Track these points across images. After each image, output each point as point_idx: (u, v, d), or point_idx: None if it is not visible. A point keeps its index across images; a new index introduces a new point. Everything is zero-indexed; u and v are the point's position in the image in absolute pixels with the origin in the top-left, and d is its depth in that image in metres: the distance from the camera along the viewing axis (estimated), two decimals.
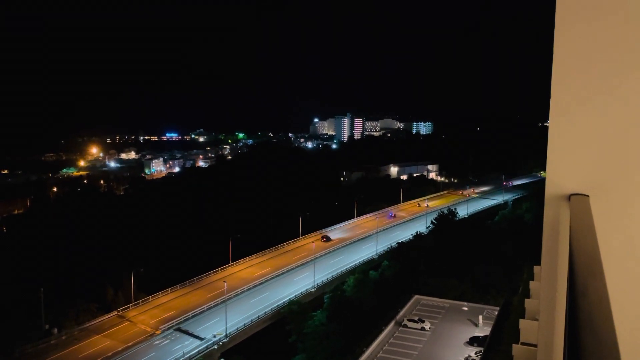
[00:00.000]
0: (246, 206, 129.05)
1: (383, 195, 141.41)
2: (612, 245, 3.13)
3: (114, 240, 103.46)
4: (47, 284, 73.20)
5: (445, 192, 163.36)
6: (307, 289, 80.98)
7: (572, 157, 3.25)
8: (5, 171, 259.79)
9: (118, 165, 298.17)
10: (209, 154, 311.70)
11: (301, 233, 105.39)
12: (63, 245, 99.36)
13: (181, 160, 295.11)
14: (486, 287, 74.67)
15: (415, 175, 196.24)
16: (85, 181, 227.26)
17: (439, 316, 67.49)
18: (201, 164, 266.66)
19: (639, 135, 3.14)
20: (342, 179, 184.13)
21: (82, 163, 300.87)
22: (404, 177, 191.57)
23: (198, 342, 64.87)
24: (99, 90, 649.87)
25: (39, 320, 68.79)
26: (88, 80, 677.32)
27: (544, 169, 3.52)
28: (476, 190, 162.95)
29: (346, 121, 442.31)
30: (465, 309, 69.52)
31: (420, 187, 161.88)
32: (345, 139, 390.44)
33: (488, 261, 79.35)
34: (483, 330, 60.40)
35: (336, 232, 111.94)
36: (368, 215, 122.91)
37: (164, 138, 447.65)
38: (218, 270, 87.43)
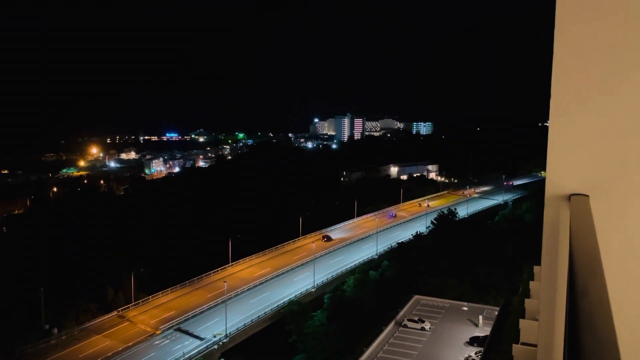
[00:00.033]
0: (246, 206, 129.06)
1: (383, 196, 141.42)
2: (612, 245, 3.13)
3: (114, 240, 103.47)
4: (47, 284, 73.21)
5: (446, 192, 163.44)
6: (307, 289, 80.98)
7: (572, 157, 3.25)
8: (5, 171, 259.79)
9: (118, 165, 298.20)
10: (209, 154, 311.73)
11: (301, 233, 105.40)
12: (63, 245, 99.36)
13: (181, 160, 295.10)
14: (486, 287, 74.67)
15: (415, 175, 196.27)
16: (85, 181, 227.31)
17: (439, 316, 67.49)
18: (201, 164, 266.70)
19: (639, 135, 3.14)
20: (342, 179, 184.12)
21: (82, 163, 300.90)
22: (404, 177, 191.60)
23: (198, 342, 64.87)
24: (99, 90, 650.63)
25: (39, 320, 68.80)
26: (88, 80, 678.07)
27: (544, 169, 3.52)
28: (477, 190, 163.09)
29: (346, 121, 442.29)
30: (465, 309, 69.50)
31: (420, 187, 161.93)
32: (345, 139, 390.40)
33: (488, 261, 79.34)
34: (483, 330, 60.38)
35: (337, 232, 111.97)
36: (368, 215, 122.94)
37: (164, 138, 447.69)
38: (218, 270, 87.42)
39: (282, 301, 75.94)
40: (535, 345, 10.92)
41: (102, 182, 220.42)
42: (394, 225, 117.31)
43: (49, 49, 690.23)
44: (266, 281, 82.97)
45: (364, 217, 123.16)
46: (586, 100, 3.20)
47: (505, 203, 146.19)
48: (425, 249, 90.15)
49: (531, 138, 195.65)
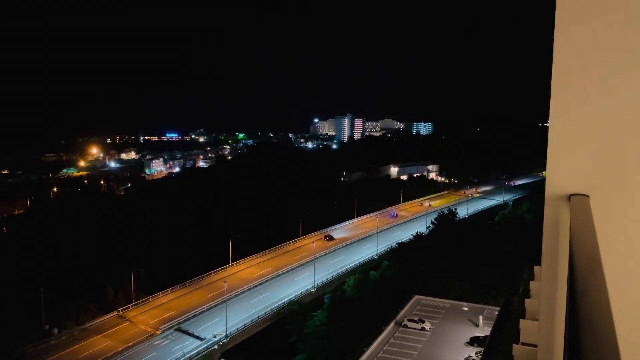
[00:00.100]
0: (246, 206, 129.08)
1: (383, 196, 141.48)
2: (612, 245, 3.13)
3: (114, 240, 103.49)
4: (47, 284, 73.22)
5: (446, 192, 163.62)
6: (307, 289, 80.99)
7: (572, 157, 3.25)
8: (6, 171, 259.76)
9: (118, 165, 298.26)
10: (209, 154, 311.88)
11: (301, 233, 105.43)
12: (63, 245, 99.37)
13: (181, 160, 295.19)
14: (486, 287, 74.69)
15: (415, 175, 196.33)
16: (86, 181, 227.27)
17: (439, 316, 67.50)
18: (201, 164, 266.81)
19: (639, 135, 3.14)
20: (342, 179, 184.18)
21: (82, 163, 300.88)
22: (404, 177, 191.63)
23: (198, 342, 64.88)
24: (99, 90, 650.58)
25: (39, 321, 68.80)
26: (88, 80, 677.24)
27: (545, 169, 3.52)
28: (478, 190, 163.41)
29: (346, 121, 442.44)
30: (466, 309, 69.51)
31: (421, 187, 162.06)
32: (346, 139, 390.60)
33: (488, 261, 79.36)
34: (483, 330, 60.40)
35: (338, 232, 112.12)
36: (369, 215, 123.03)
37: (164, 138, 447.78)
38: (218, 271, 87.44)
39: (282, 301, 75.95)
40: (535, 346, 10.92)
41: (102, 182, 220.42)
42: (394, 226, 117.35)
43: (49, 49, 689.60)
44: (266, 281, 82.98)
45: (364, 217, 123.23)
46: (586, 100, 3.20)
47: (505, 203, 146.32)
48: (426, 249, 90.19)
49: (531, 138, 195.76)
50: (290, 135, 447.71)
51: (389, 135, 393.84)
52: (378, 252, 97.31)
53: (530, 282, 17.89)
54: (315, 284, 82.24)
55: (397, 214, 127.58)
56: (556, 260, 3.30)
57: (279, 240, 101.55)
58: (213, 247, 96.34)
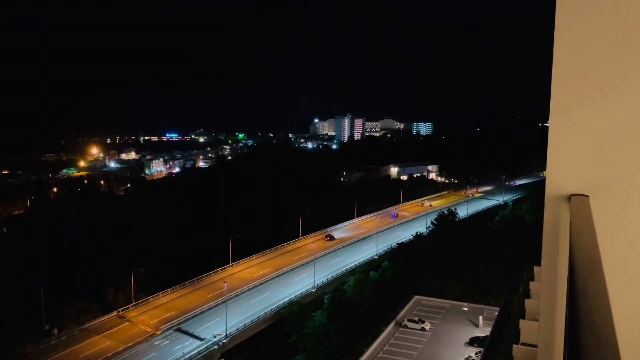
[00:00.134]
0: (246, 206, 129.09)
1: (383, 196, 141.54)
2: (612, 246, 3.13)
3: (114, 240, 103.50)
4: (47, 284, 73.20)
5: (446, 192, 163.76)
6: (307, 290, 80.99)
7: (572, 158, 3.25)
8: (6, 171, 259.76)
9: (118, 165, 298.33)
10: (209, 154, 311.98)
11: (301, 233, 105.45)
12: (63, 245, 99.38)
13: (181, 160, 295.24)
14: (486, 287, 74.69)
15: (415, 175, 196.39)
16: (86, 181, 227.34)
17: (439, 316, 67.49)
18: (201, 164, 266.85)
19: (639, 135, 3.13)
20: (342, 179, 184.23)
21: (82, 163, 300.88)
22: (404, 177, 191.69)
23: (198, 342, 64.88)
24: (99, 90, 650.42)
25: (39, 321, 68.79)
26: (88, 80, 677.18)
27: (545, 169, 3.52)
28: (479, 190, 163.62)
29: (346, 121, 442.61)
30: (466, 309, 69.52)
31: (421, 188, 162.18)
32: (346, 140, 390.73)
33: (488, 261, 79.36)
34: (483, 330, 60.40)
35: (338, 232, 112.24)
36: (369, 215, 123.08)
37: (164, 138, 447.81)
38: (218, 271, 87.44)
39: (282, 301, 75.94)
40: (535, 346, 10.91)
41: (102, 182, 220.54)
42: (394, 226, 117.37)
43: (49, 49, 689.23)
44: (266, 281, 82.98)
45: (365, 217, 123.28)
46: (586, 100, 3.20)
47: (505, 203, 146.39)
48: (426, 249, 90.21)
49: (531, 138, 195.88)
50: (290, 135, 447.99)
51: (389, 135, 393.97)
52: (378, 252, 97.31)
53: (530, 283, 17.89)
54: (315, 284, 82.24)
55: (397, 214, 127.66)
56: (556, 260, 3.29)
57: (278, 240, 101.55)
58: (213, 247, 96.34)
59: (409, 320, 64.36)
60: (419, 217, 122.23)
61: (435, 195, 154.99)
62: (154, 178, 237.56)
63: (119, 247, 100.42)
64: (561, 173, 3.26)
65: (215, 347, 64.54)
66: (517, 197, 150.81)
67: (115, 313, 72.62)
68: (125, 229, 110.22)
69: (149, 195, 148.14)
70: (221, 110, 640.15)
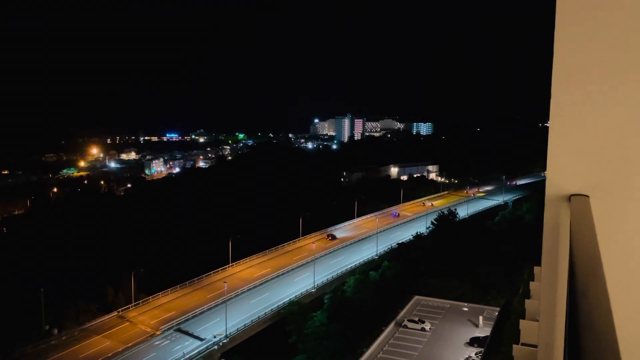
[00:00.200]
0: (246, 206, 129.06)
1: (383, 196, 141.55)
2: (612, 246, 3.12)
3: (114, 240, 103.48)
4: (47, 284, 73.19)
5: (446, 192, 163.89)
6: (307, 290, 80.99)
7: (572, 158, 3.25)
8: (6, 171, 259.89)
9: (118, 165, 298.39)
10: (209, 155, 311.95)
11: (301, 233, 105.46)
12: (63, 245, 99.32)
13: (181, 160, 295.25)
14: (486, 287, 74.68)
15: (415, 175, 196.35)
16: (86, 182, 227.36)
17: (439, 317, 67.49)
18: (201, 164, 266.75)
19: (639, 135, 3.13)
20: (342, 179, 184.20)
21: (82, 163, 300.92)
22: (404, 177, 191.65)
23: (198, 342, 64.89)
24: (99, 90, 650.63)
25: (39, 321, 68.78)
26: (88, 81, 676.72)
27: (545, 169, 3.51)
28: (480, 190, 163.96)
29: (346, 122, 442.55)
30: (466, 309, 69.52)
31: (421, 188, 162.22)
32: (346, 140, 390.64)
33: (488, 262, 79.35)
34: (483, 330, 60.40)
35: (339, 232, 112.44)
36: (369, 215, 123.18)
37: (164, 138, 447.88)
38: (218, 271, 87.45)
39: (282, 301, 75.94)
40: (535, 346, 10.92)
41: (102, 182, 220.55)
42: (394, 226, 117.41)
43: (49, 49, 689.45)
44: (266, 281, 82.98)
45: (364, 217, 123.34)
46: (586, 100, 3.20)
47: (506, 203, 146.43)
48: (426, 249, 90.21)
49: (531, 138, 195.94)
50: (290, 135, 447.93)
51: (389, 135, 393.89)
52: (378, 252, 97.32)
53: (531, 283, 17.88)
54: (315, 284, 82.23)
55: (399, 214, 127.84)
56: (556, 260, 3.29)
57: (279, 240, 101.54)
58: (213, 247, 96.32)
59: (409, 321, 64.36)
60: (419, 217, 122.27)
61: (435, 195, 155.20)
62: (154, 178, 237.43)
63: (119, 247, 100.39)
64: (561, 173, 3.26)
65: (215, 347, 64.55)
66: (517, 197, 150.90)
67: (115, 313, 72.63)
68: (125, 229, 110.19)
69: (149, 195, 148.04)
70: (221, 110, 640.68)
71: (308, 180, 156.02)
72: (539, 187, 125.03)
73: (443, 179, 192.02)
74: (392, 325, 64.27)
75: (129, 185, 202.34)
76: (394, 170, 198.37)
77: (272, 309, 73.71)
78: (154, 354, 61.88)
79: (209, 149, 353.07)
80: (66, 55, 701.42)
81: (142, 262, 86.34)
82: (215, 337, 65.73)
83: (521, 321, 14.37)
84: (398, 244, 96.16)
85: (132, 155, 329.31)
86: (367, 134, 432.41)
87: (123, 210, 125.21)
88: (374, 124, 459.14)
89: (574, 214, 2.95)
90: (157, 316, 71.39)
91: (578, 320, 1.65)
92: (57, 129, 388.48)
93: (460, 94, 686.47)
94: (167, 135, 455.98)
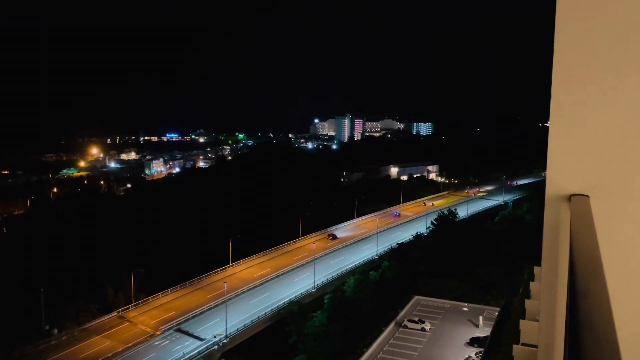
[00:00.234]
0: (246, 206, 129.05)
1: (383, 196, 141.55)
2: (612, 246, 3.12)
3: (114, 240, 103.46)
4: (47, 284, 73.18)
5: (446, 192, 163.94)
6: (307, 290, 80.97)
7: (572, 158, 3.24)
8: (6, 172, 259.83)
9: (118, 165, 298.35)
10: (209, 155, 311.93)
11: (301, 233, 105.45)
12: (63, 245, 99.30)
13: (181, 160, 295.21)
14: (486, 287, 74.65)
15: (415, 175, 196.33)
16: (86, 182, 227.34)
17: (439, 317, 67.47)
18: (201, 164, 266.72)
19: (639, 135, 3.13)
20: (342, 179, 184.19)
21: (82, 163, 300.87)
22: (404, 177, 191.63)
23: (198, 342, 64.88)
24: (99, 90, 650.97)
25: (39, 321, 68.77)
26: (88, 81, 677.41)
27: (545, 169, 3.51)
28: (481, 190, 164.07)
29: (346, 122, 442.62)
30: (466, 309, 69.50)
31: (421, 188, 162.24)
32: (346, 140, 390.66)
33: (488, 262, 79.33)
34: (483, 331, 60.38)
35: (339, 232, 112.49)
36: (369, 215, 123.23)
37: (164, 138, 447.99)
38: (218, 271, 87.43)
39: (282, 302, 75.93)
40: (535, 346, 10.92)
41: (102, 182, 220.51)
42: (394, 226, 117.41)
43: (49, 49, 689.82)
44: (266, 282, 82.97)
45: (364, 217, 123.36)
46: (586, 100, 3.20)
47: (506, 203, 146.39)
48: (426, 249, 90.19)
49: (531, 138, 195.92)
50: (290, 135, 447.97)
51: (389, 135, 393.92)
52: (378, 252, 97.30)
53: (531, 283, 17.89)
54: (315, 284, 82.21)
55: (399, 214, 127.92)
56: (556, 260, 3.29)
57: (279, 240, 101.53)
58: (213, 247, 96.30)
59: (409, 321, 64.33)
60: (420, 217, 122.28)
61: (436, 195, 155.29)
62: (154, 178, 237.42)
63: (119, 247, 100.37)
64: (561, 173, 3.26)
65: (215, 347, 64.54)
66: (517, 197, 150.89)
67: (115, 313, 72.62)
68: (125, 229, 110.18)
69: (149, 195, 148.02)
70: (221, 110, 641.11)
71: (308, 180, 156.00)
72: (539, 187, 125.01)
73: (443, 179, 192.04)
74: (392, 325, 64.24)
75: (128, 186, 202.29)
76: (394, 170, 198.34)
77: (272, 309, 73.70)
78: (154, 354, 61.87)
79: (208, 149, 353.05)
80: (66, 55, 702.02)
81: (142, 262, 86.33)
82: (215, 337, 65.72)
83: (521, 321, 14.37)
84: (398, 244, 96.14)
85: (132, 156, 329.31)
86: (367, 134, 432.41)
87: (123, 210, 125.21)
88: (374, 124, 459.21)
89: (574, 214, 2.94)
90: (157, 316, 71.38)
91: (578, 321, 1.65)
92: (57, 129, 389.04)
93: (460, 94, 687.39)
94: (167, 135, 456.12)
